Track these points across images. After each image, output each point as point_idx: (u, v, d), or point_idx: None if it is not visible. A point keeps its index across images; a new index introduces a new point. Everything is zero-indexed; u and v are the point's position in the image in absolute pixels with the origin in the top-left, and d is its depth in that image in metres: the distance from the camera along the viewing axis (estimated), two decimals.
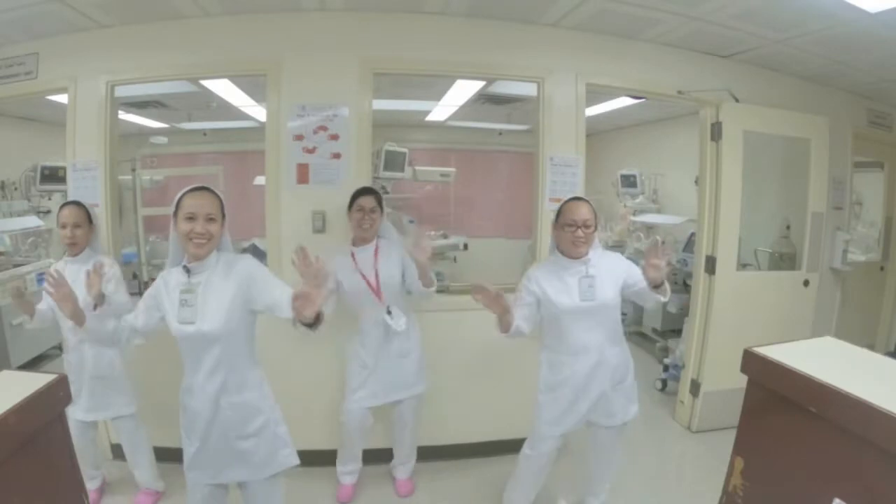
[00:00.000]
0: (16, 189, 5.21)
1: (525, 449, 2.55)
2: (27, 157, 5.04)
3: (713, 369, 3.62)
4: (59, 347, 4.96)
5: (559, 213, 2.34)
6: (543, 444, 2.46)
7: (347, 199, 2.76)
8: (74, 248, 2.59)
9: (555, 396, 2.40)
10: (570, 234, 2.28)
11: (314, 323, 1.78)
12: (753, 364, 1.82)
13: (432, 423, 3.11)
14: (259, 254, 3.44)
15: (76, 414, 2.61)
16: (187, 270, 1.94)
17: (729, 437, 1.93)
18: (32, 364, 4.60)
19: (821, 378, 1.55)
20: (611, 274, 2.35)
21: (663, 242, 2.25)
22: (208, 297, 1.91)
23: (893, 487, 1.34)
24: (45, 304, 2.58)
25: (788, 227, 4.12)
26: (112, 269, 2.60)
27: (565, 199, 2.37)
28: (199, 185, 1.98)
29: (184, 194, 1.93)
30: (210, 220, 1.90)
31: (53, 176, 4.53)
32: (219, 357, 1.92)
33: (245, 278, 1.93)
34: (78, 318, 1.90)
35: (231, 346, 1.93)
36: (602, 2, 2.84)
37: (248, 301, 1.93)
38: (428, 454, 3.16)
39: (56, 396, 1.62)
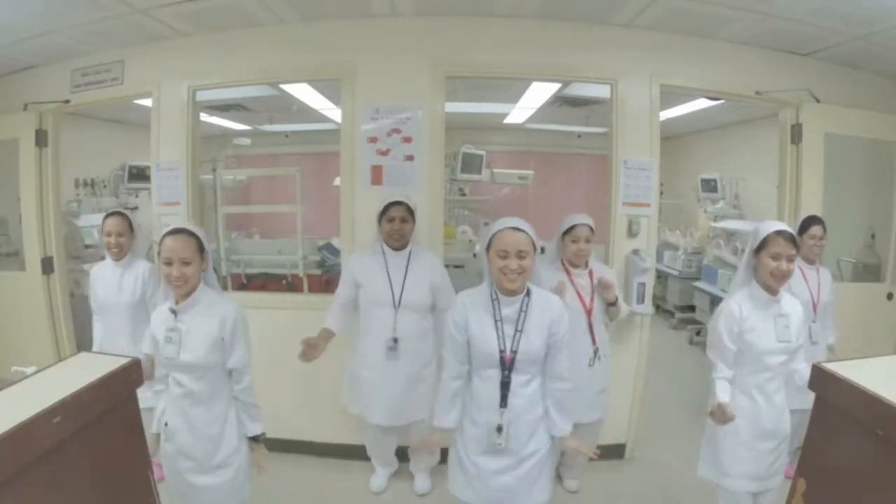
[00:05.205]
0: (105, 186, 5.60)
1: None
2: (116, 156, 5.42)
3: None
4: None
5: (765, 241, 2.11)
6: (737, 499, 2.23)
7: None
8: (119, 253, 2.80)
9: (732, 441, 2.17)
10: (775, 265, 2.08)
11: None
12: (822, 380, 1.74)
13: None
14: (334, 252, 3.55)
15: None
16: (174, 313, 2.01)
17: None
18: None
19: (889, 399, 1.45)
20: (798, 316, 2.18)
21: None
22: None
23: None
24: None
25: (873, 237, 3.91)
26: (154, 277, 2.81)
27: (769, 228, 2.12)
28: (178, 226, 2.01)
29: (164, 236, 1.97)
30: (185, 263, 1.93)
31: (140, 175, 4.81)
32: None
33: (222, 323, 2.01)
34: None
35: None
36: (673, 0, 2.78)
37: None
38: None
39: (129, 378, 1.77)
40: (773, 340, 2.11)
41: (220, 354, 1.99)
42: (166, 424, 2.02)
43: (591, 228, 2.70)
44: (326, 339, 2.64)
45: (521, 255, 1.84)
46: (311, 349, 2.54)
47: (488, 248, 1.92)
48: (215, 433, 2.01)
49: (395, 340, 2.68)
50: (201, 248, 2.00)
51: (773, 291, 2.15)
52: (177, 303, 2.01)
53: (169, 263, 1.92)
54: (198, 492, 2.03)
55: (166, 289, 2.06)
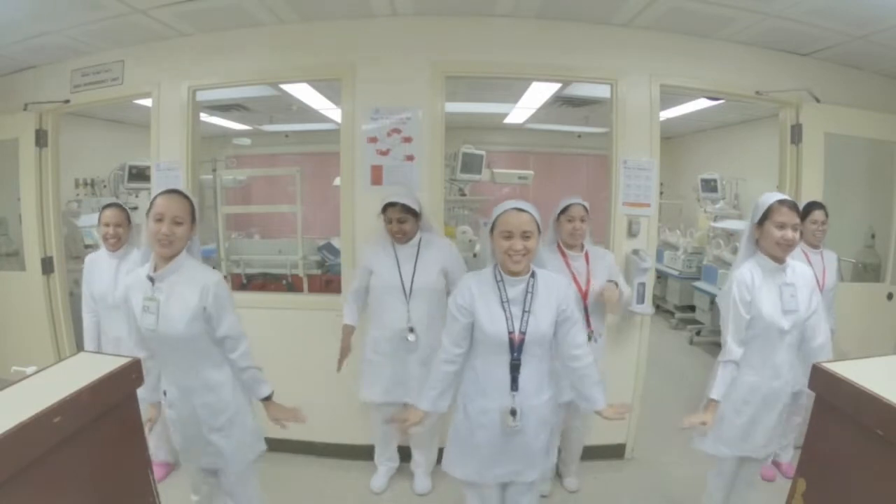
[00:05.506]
0: (105, 186, 5.60)
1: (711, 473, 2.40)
2: (116, 156, 5.40)
3: None
4: None
5: (768, 211, 2.11)
6: (725, 466, 2.31)
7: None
8: (117, 243, 2.81)
9: (735, 415, 2.20)
10: (780, 234, 2.07)
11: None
12: (821, 380, 1.72)
13: None
14: (334, 252, 3.54)
15: None
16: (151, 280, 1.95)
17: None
18: None
19: (889, 399, 1.43)
20: (807, 285, 2.16)
21: None
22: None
23: None
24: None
25: (873, 237, 3.90)
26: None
27: (771, 198, 2.13)
28: (173, 187, 2.00)
29: (157, 195, 1.95)
30: (176, 223, 1.90)
31: (141, 174, 4.79)
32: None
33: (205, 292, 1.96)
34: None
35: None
36: (673, 0, 2.78)
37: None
38: None
39: (129, 378, 1.75)
40: (780, 310, 2.09)
41: (202, 325, 1.95)
42: (165, 393, 2.03)
43: (585, 208, 2.73)
44: (350, 336, 2.82)
45: (525, 235, 1.84)
46: (345, 352, 2.79)
47: (492, 230, 1.92)
48: (212, 401, 2.01)
49: (412, 330, 2.71)
50: (193, 215, 1.98)
51: (779, 260, 2.13)
52: (155, 269, 1.95)
53: (160, 220, 1.88)
54: (211, 448, 2.05)
55: (147, 249, 2.01)
